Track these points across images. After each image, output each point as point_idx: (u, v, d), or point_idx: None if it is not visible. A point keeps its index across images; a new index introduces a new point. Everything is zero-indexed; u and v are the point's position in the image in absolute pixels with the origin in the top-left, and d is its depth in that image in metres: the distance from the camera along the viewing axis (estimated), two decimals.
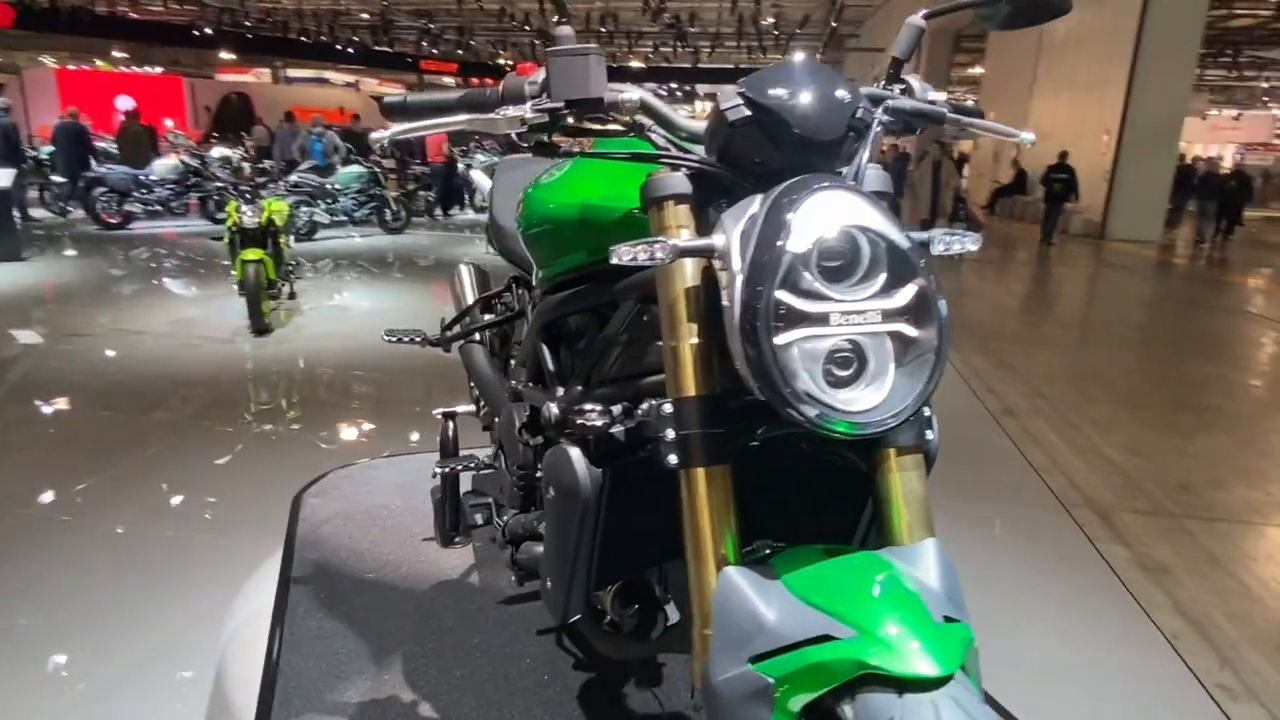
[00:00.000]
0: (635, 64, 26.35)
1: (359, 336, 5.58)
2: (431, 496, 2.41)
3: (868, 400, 0.80)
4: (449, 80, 32.13)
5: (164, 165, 10.26)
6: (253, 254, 5.41)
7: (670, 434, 0.87)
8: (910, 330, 0.80)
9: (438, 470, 1.84)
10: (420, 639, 1.76)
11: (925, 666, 0.69)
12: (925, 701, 0.68)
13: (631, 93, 0.94)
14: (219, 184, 9.99)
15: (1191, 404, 4.93)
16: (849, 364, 0.81)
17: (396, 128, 0.98)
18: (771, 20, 20.80)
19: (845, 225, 0.79)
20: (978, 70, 29.25)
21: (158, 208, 10.24)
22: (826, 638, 0.74)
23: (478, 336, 1.89)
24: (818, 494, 1.05)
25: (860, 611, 0.74)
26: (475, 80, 29.89)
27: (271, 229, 5.79)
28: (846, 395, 0.80)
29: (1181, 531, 3.20)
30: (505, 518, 1.48)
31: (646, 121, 0.95)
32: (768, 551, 1.02)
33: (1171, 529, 3.22)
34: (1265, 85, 24.45)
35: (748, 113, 0.84)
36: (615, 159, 0.97)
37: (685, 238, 0.89)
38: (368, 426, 3.92)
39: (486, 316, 1.94)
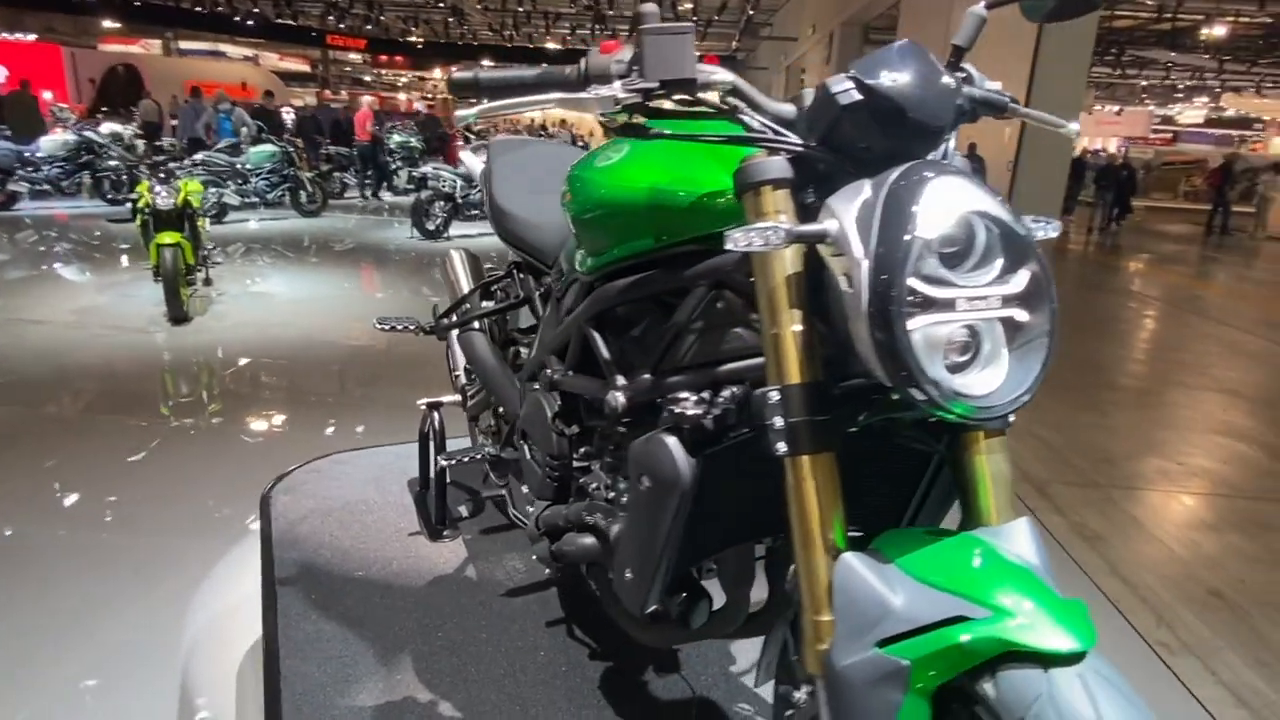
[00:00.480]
0: (552, 46, 25.97)
1: (286, 324, 5.34)
2: (410, 489, 2.34)
3: (983, 384, 0.81)
4: (355, 57, 30.90)
5: (52, 141, 9.49)
6: (169, 237, 5.08)
7: (779, 421, 0.86)
8: (1023, 315, 0.82)
9: (443, 463, 1.78)
10: (426, 636, 1.71)
11: (1067, 642, 0.72)
12: (1072, 676, 0.71)
13: (722, 74, 0.93)
14: (115, 162, 9.36)
15: (1103, 382, 5.27)
16: (965, 349, 0.82)
17: (483, 105, 0.93)
18: (690, 5, 20.87)
19: (968, 211, 0.80)
20: None
21: (46, 187, 9.47)
22: (960, 619, 0.75)
23: (476, 324, 1.83)
24: (886, 478, 1.07)
25: (988, 591, 0.76)
26: (384, 57, 28.83)
27: (188, 211, 5.46)
28: (963, 380, 0.81)
29: (1109, 501, 3.43)
30: (533, 509, 1.44)
31: (737, 103, 0.93)
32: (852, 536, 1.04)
33: (1100, 499, 3.45)
34: (1144, 83, 26.22)
35: (859, 96, 0.84)
36: (711, 142, 0.95)
37: (785, 223, 0.88)
38: (318, 417, 3.76)
39: (486, 303, 1.88)
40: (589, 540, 1.25)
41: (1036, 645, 0.71)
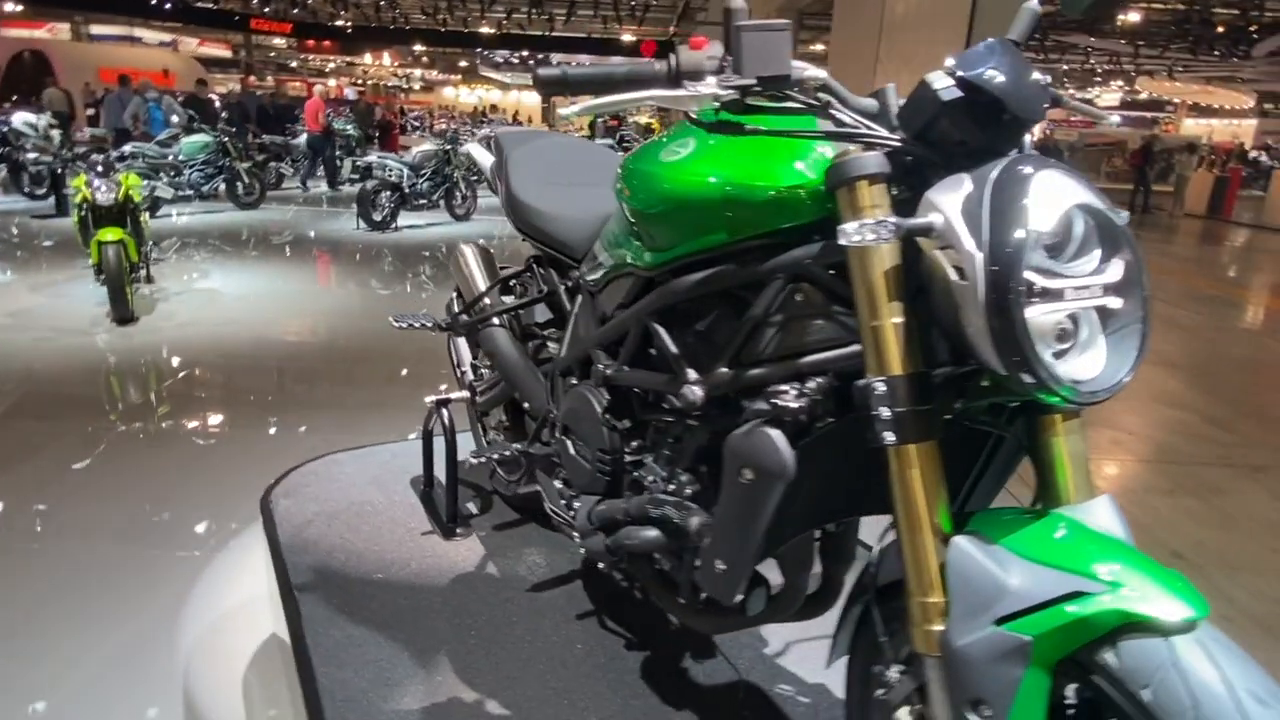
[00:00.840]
0: (486, 30, 25.52)
1: (236, 322, 5.17)
2: (414, 488, 2.31)
3: (1085, 369, 0.85)
4: (280, 41, 29.79)
5: None
6: (111, 234, 4.85)
7: (885, 412, 0.89)
8: (1119, 302, 0.86)
9: (472, 460, 1.76)
10: (459, 636, 1.70)
11: (1183, 610, 0.76)
12: (1192, 642, 0.75)
13: (814, 70, 0.94)
14: (33, 154, 8.85)
15: None
16: (1064, 336, 0.86)
17: (589, 103, 0.93)
18: None
19: (1073, 204, 0.83)
20: (819, 47, 30.59)
21: None
22: (1075, 594, 0.79)
23: (496, 320, 1.81)
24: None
25: (1098, 565, 0.80)
26: (311, 41, 27.85)
27: (130, 205, 5.21)
28: (1066, 365, 0.85)
29: None
30: (580, 504, 1.44)
31: (829, 99, 0.95)
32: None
33: None
34: (1065, 67, 27.23)
35: (960, 93, 0.87)
36: (805, 138, 0.97)
37: (887, 217, 0.91)
38: (290, 417, 3.65)
39: (506, 298, 1.86)
40: (652, 533, 1.26)
41: (1155, 615, 0.76)
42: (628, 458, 1.37)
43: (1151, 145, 16.15)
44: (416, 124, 20.38)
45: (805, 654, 1.66)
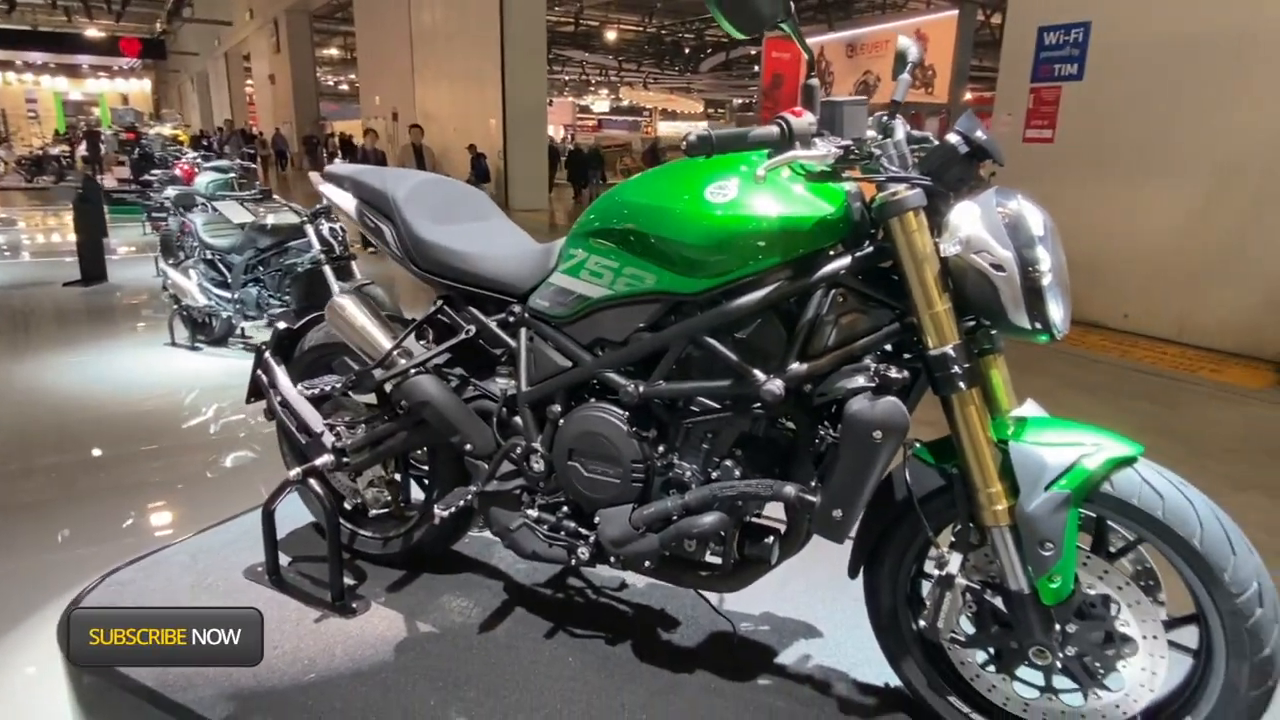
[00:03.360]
0: None
1: None
2: (256, 580, 2.04)
3: (1058, 317, 1.31)
4: None
5: None
6: None
7: (958, 369, 1.26)
8: (1060, 274, 1.33)
9: (441, 512, 1.66)
10: (462, 707, 1.64)
11: (1133, 449, 1.28)
12: (1147, 469, 1.27)
13: (872, 132, 1.26)
14: None
15: None
16: None
17: (776, 160, 1.11)
18: None
19: (1044, 214, 1.28)
20: (333, 51, 29.62)
21: None
22: (1082, 455, 1.27)
23: (414, 370, 1.73)
24: None
25: (1079, 437, 1.29)
26: None
27: None
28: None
29: None
30: (607, 519, 1.55)
31: (879, 152, 1.27)
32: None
33: None
34: (566, 78, 30.82)
35: (968, 148, 1.26)
36: (879, 181, 1.27)
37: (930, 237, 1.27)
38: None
39: (422, 344, 1.78)
40: (714, 517, 1.46)
41: (1126, 454, 1.26)
42: (659, 462, 1.53)
43: (657, 144, 19.39)
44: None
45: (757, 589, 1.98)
